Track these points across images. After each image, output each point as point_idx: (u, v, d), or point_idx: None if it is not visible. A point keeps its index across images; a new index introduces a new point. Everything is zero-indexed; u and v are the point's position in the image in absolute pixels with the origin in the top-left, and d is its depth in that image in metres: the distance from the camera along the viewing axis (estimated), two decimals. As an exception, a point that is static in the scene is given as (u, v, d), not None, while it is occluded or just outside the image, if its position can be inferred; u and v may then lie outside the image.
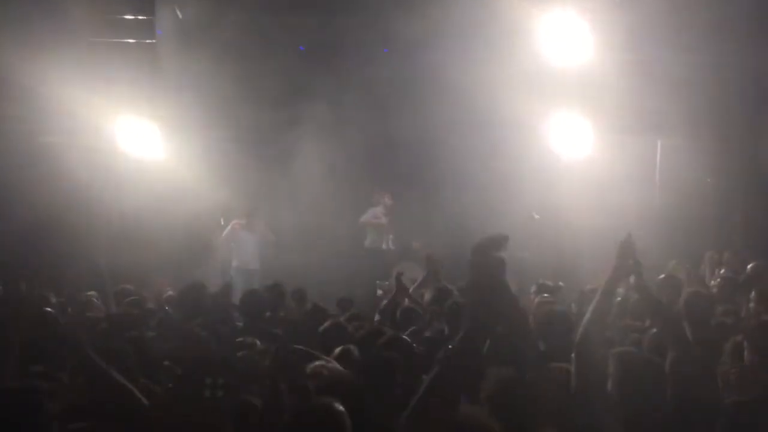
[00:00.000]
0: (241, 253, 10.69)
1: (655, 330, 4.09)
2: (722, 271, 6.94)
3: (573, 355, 3.14)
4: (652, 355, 3.53)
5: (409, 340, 4.12)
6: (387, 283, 9.84)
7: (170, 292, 7.55)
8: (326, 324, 5.24)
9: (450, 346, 2.23)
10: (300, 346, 4.53)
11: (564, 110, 10.05)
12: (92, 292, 7.26)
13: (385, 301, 6.55)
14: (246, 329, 5.40)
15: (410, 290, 6.74)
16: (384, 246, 11.65)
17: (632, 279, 3.80)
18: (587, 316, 3.00)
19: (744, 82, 10.09)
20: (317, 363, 3.99)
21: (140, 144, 9.77)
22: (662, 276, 6.42)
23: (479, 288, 2.24)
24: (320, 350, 4.46)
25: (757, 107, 10.20)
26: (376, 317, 6.25)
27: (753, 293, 5.41)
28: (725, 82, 10.07)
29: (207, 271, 9.98)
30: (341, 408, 2.49)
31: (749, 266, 6.63)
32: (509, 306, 3.10)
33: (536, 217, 11.05)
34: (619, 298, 5.34)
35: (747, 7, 9.73)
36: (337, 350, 4.45)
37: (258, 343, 4.53)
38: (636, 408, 2.94)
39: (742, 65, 9.91)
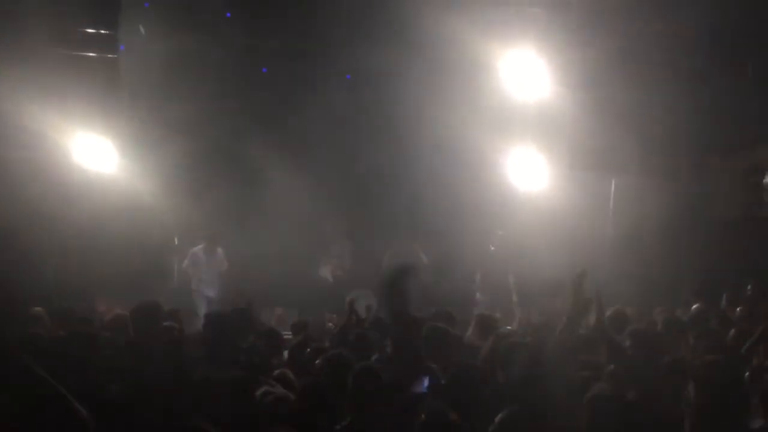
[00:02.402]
0: (199, 278, 10.56)
1: (612, 367, 4.12)
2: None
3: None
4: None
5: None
6: (335, 315, 9.72)
7: (118, 311, 7.36)
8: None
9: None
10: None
11: (522, 144, 10.25)
12: (38, 309, 7.05)
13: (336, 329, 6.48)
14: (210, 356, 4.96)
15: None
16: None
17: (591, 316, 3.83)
18: (547, 352, 3.03)
19: (693, 123, 10.47)
20: (273, 389, 3.94)
21: (96, 160, 9.60)
22: (609, 312, 6.49)
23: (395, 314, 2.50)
24: None
25: (703, 148, 10.61)
26: (327, 343, 6.18)
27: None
28: (675, 122, 10.44)
29: (159, 292, 9.79)
30: None
31: (693, 307, 6.80)
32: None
33: (492, 248, 11.18)
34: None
35: (697, 47, 10.13)
36: (276, 372, 4.42)
37: None
38: None
39: (693, 106, 10.28)
